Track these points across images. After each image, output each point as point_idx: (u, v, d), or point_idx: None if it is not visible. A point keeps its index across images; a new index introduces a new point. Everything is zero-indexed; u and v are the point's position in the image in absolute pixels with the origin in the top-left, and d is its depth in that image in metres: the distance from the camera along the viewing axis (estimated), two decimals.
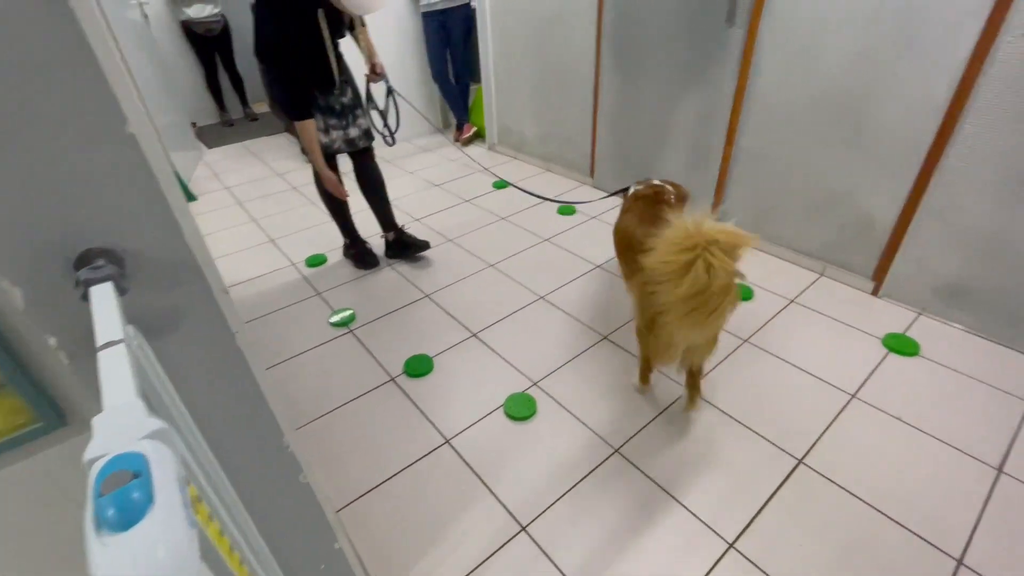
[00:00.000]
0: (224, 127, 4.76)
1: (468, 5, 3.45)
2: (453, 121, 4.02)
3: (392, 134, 2.34)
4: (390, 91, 2.25)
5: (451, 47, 3.60)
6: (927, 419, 1.47)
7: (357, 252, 2.37)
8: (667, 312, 1.19)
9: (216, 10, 4.18)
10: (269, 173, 3.60)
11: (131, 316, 0.50)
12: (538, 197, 2.32)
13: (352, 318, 2.02)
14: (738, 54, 2.04)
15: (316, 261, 2.43)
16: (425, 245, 2.37)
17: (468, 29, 3.50)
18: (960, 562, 1.14)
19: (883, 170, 1.81)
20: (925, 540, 1.18)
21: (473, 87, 3.84)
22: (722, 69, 2.12)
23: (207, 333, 0.60)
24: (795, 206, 2.12)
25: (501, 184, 3.16)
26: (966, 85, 1.54)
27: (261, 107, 5.27)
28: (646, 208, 1.64)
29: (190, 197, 3.22)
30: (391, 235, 2.37)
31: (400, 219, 2.80)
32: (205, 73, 4.56)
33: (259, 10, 1.72)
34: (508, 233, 2.59)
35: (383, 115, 2.30)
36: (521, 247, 2.46)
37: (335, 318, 2.03)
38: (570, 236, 2.54)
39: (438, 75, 3.69)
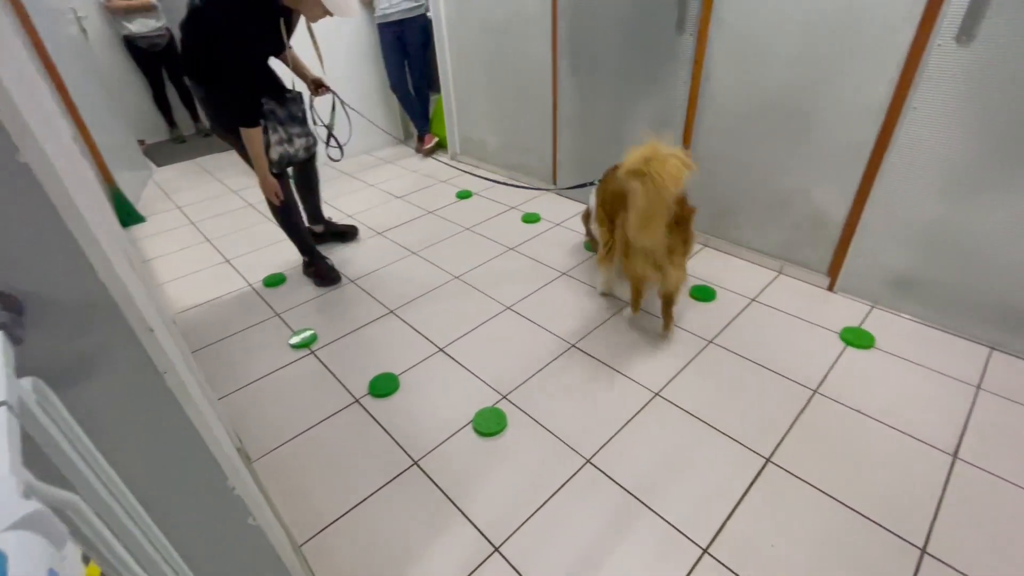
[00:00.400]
0: (175, 144, 4.59)
1: (424, 15, 3.42)
2: (414, 132, 3.97)
3: (341, 147, 2.31)
4: (335, 104, 2.26)
5: (409, 58, 3.56)
6: (885, 410, 1.51)
7: (318, 269, 2.30)
8: (634, 218, 1.49)
9: (160, 24, 4.03)
10: (224, 191, 3.47)
11: (33, 366, 0.45)
12: (500, 183, 2.57)
13: (313, 339, 1.95)
14: (689, 60, 2.08)
15: (274, 281, 2.34)
16: (354, 230, 2.67)
17: (425, 39, 3.47)
18: (924, 551, 1.16)
19: (831, 169, 1.87)
20: (890, 531, 1.21)
21: (433, 97, 3.81)
22: (675, 75, 2.16)
23: (130, 377, 0.55)
24: (751, 206, 2.17)
25: (465, 194, 3.13)
26: (903, 87, 1.61)
27: None
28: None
29: (138, 218, 3.07)
30: (320, 227, 2.53)
31: (362, 232, 2.75)
32: (152, 89, 4.38)
33: (211, 28, 1.68)
34: (473, 244, 2.57)
35: (329, 128, 2.28)
36: (487, 257, 2.43)
37: (295, 339, 1.95)
38: (535, 244, 2.53)
39: (396, 86, 3.64)
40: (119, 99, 4.05)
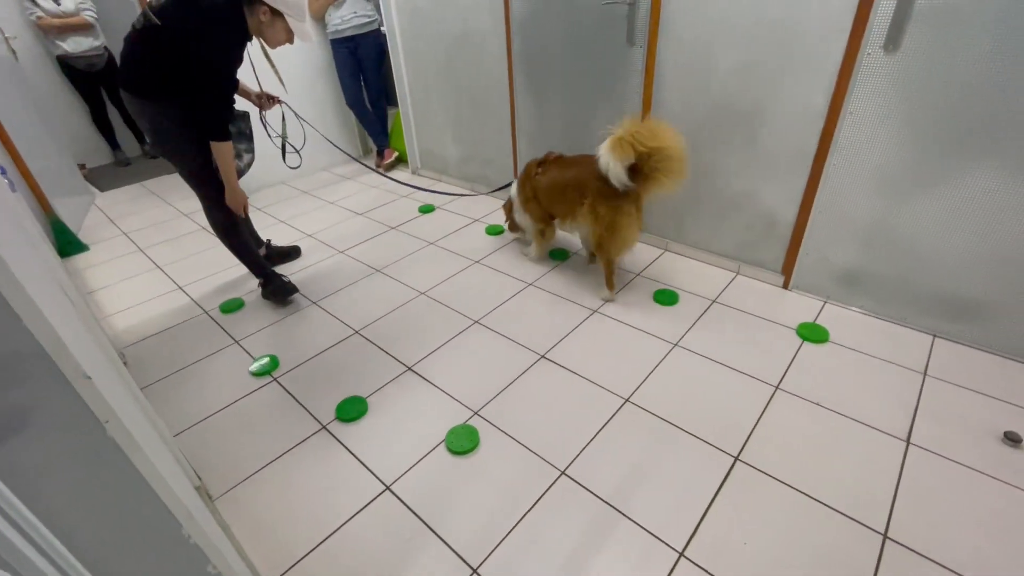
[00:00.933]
0: (119, 167, 4.38)
1: (378, 30, 3.41)
2: (374, 147, 3.93)
3: (298, 151, 2.39)
4: (284, 114, 2.30)
5: (364, 73, 3.53)
6: (842, 401, 1.58)
7: (275, 287, 2.23)
8: (656, 166, 1.76)
9: (98, 43, 3.86)
10: (174, 214, 3.33)
11: None
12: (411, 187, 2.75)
13: (275, 365, 1.89)
14: (641, 71, 2.14)
15: (232, 307, 2.25)
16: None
17: (380, 54, 3.45)
18: (885, 536, 1.21)
19: (779, 172, 1.96)
20: (853, 519, 1.25)
21: (391, 111, 3.78)
22: (628, 85, 2.21)
23: (66, 429, 0.51)
24: (707, 210, 2.24)
25: (428, 208, 3.11)
26: (839, 94, 1.70)
27: None
28: (561, 166, 2.15)
29: (80, 247, 2.91)
30: (261, 251, 2.47)
31: (323, 252, 2.68)
32: (91, 111, 4.18)
33: (199, 39, 1.71)
34: (438, 258, 2.55)
35: (284, 138, 2.31)
36: (452, 271, 2.42)
37: (255, 367, 1.88)
38: (500, 256, 2.53)
39: (353, 102, 3.60)
40: (56, 122, 3.85)
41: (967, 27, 1.43)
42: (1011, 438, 1.40)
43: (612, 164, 1.77)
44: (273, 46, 1.87)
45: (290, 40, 1.86)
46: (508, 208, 2.52)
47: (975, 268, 1.67)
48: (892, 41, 1.55)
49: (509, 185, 2.48)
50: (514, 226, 2.54)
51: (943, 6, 1.45)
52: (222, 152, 1.89)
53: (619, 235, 1.96)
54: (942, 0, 1.44)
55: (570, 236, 2.60)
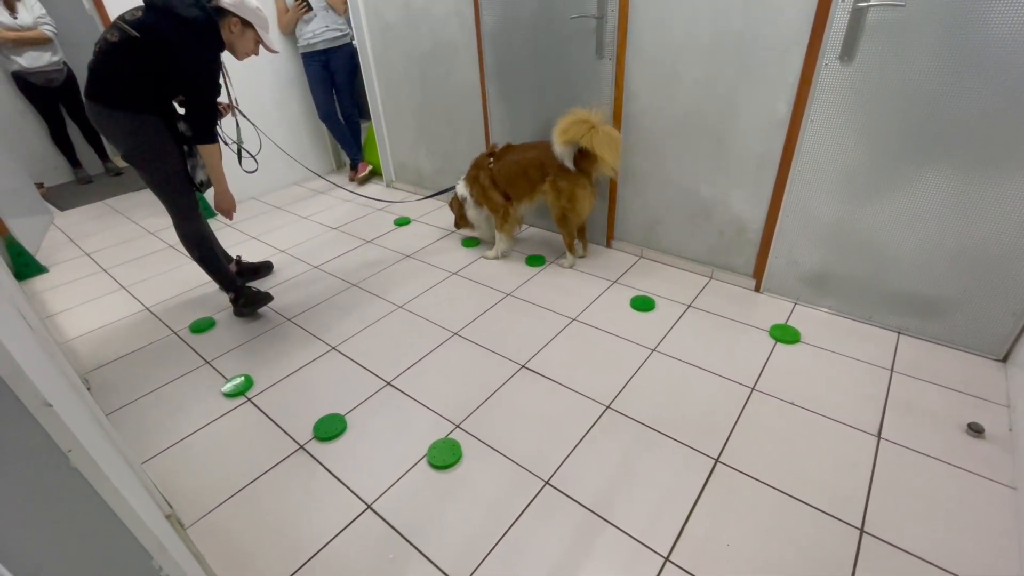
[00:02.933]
0: (80, 185, 4.23)
1: (350, 43, 3.40)
2: (347, 161, 3.90)
3: (253, 156, 2.38)
4: (237, 120, 2.29)
5: (336, 86, 3.51)
6: (815, 400, 1.62)
7: (247, 298, 2.18)
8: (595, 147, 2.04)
9: (56, 58, 3.74)
10: (139, 232, 3.23)
11: None
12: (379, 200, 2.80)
13: (248, 384, 1.84)
14: (611, 83, 2.19)
15: (202, 327, 2.19)
16: (269, 266, 2.61)
17: (352, 67, 3.44)
18: (862, 530, 1.24)
19: (746, 179, 2.02)
20: (830, 515, 1.28)
21: (364, 124, 3.76)
22: (599, 96, 2.26)
23: (26, 460, 0.48)
24: (679, 217, 2.29)
25: (403, 221, 3.09)
26: (800, 103, 1.77)
27: None
28: (517, 151, 2.36)
29: (38, 269, 2.79)
30: (232, 267, 2.42)
31: (297, 267, 2.64)
32: (50, 127, 4.04)
33: (192, 52, 1.77)
34: (415, 271, 2.53)
35: (239, 144, 2.30)
36: (429, 284, 2.40)
37: (228, 387, 1.82)
38: (477, 268, 2.53)
39: (325, 116, 3.57)
40: (11, 140, 3.71)
41: (916, 39, 1.51)
42: (974, 429, 1.46)
43: (559, 148, 2.11)
44: (241, 57, 1.96)
45: (256, 51, 1.97)
46: (457, 206, 2.64)
47: (933, 266, 1.74)
48: (847, 52, 1.62)
49: (449, 190, 2.66)
50: (462, 222, 2.67)
51: (893, 20, 1.53)
52: (211, 154, 1.96)
53: (578, 205, 2.25)
54: (891, 15, 1.52)
55: (550, 241, 2.62)
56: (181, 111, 1.94)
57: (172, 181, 1.97)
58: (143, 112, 1.83)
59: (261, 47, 1.96)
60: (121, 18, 1.76)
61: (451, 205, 2.70)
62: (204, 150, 1.94)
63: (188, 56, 1.77)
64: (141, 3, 1.77)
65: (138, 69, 1.76)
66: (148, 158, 1.91)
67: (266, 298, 2.21)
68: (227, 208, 2.10)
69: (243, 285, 2.23)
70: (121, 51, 1.74)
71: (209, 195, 2.20)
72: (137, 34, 1.72)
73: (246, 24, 1.86)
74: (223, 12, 1.82)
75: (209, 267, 2.17)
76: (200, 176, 2.09)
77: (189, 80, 1.81)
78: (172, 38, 1.73)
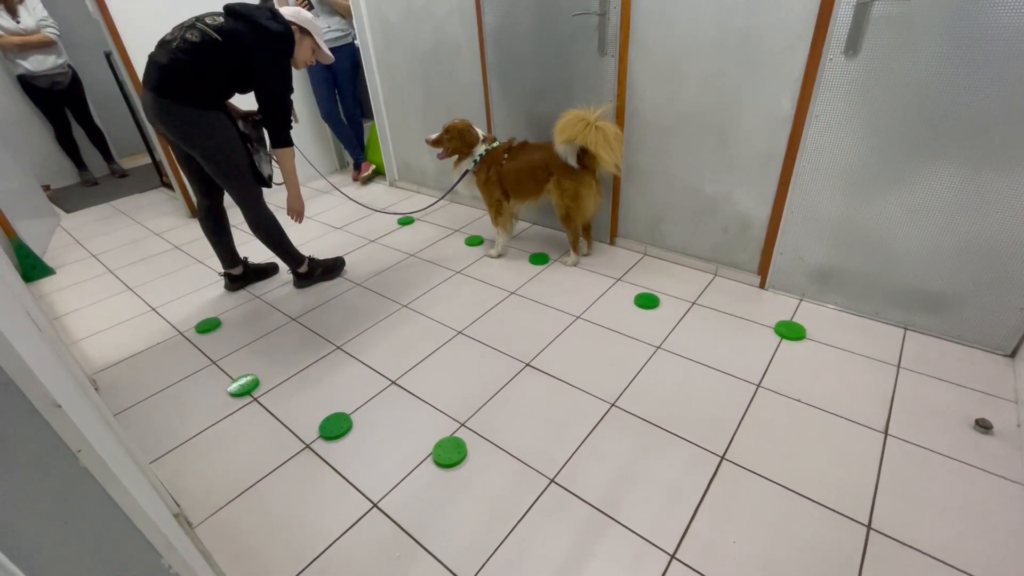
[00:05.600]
0: (86, 187, 4.26)
1: (352, 43, 3.40)
2: (350, 161, 3.90)
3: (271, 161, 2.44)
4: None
5: (339, 86, 3.52)
6: (821, 397, 1.61)
7: (324, 267, 2.44)
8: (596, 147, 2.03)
9: (61, 61, 3.76)
10: (145, 234, 3.25)
11: None
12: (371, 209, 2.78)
13: (255, 384, 1.84)
14: (613, 80, 2.18)
15: (208, 327, 2.20)
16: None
17: (354, 67, 3.44)
18: (869, 527, 1.24)
19: (750, 176, 2.01)
20: (837, 512, 1.28)
21: (367, 124, 3.77)
22: (602, 94, 2.25)
23: (36, 460, 0.49)
24: (683, 214, 2.28)
25: (407, 220, 3.10)
26: (804, 98, 1.76)
27: (131, 161, 4.80)
28: (527, 152, 2.35)
29: (45, 271, 2.81)
30: (238, 269, 2.45)
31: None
32: (55, 130, 4.07)
33: (275, 57, 1.92)
34: (419, 270, 2.53)
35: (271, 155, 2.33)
36: (434, 283, 2.41)
37: (234, 387, 1.83)
38: (481, 266, 2.53)
39: (328, 115, 3.58)
40: (17, 143, 3.73)
41: (921, 33, 1.50)
42: (982, 425, 1.45)
43: (560, 148, 2.12)
44: (300, 66, 2.09)
45: (312, 59, 2.11)
46: (466, 134, 2.38)
47: (939, 261, 1.73)
48: (852, 47, 1.61)
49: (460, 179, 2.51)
50: (456, 152, 2.43)
51: (898, 14, 1.51)
52: (287, 157, 2.08)
53: (583, 204, 2.25)
54: (896, 8, 1.51)
55: (555, 238, 2.61)
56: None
57: (244, 173, 2.08)
58: (212, 108, 1.92)
59: (316, 56, 2.11)
60: (200, 20, 1.86)
61: (458, 133, 2.37)
62: (280, 153, 2.06)
63: (269, 64, 1.89)
64: (221, 8, 1.92)
65: (215, 69, 1.86)
66: (225, 151, 2.00)
67: (341, 263, 2.48)
68: (299, 210, 2.23)
69: (309, 257, 2.43)
70: (201, 51, 1.83)
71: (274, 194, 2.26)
72: (219, 37, 1.83)
73: (304, 32, 2.01)
74: (287, 22, 1.95)
75: (280, 248, 2.31)
76: (268, 170, 2.19)
77: (269, 86, 1.93)
78: (254, 46, 1.85)
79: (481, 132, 2.44)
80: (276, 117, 2.01)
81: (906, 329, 1.87)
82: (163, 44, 1.88)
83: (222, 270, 2.45)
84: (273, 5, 2.02)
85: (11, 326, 0.48)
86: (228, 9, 1.90)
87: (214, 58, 1.84)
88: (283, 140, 2.05)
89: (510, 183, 2.38)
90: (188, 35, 1.83)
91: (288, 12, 1.98)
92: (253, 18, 1.87)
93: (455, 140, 2.40)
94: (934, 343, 1.80)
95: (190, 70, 1.84)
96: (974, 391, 1.59)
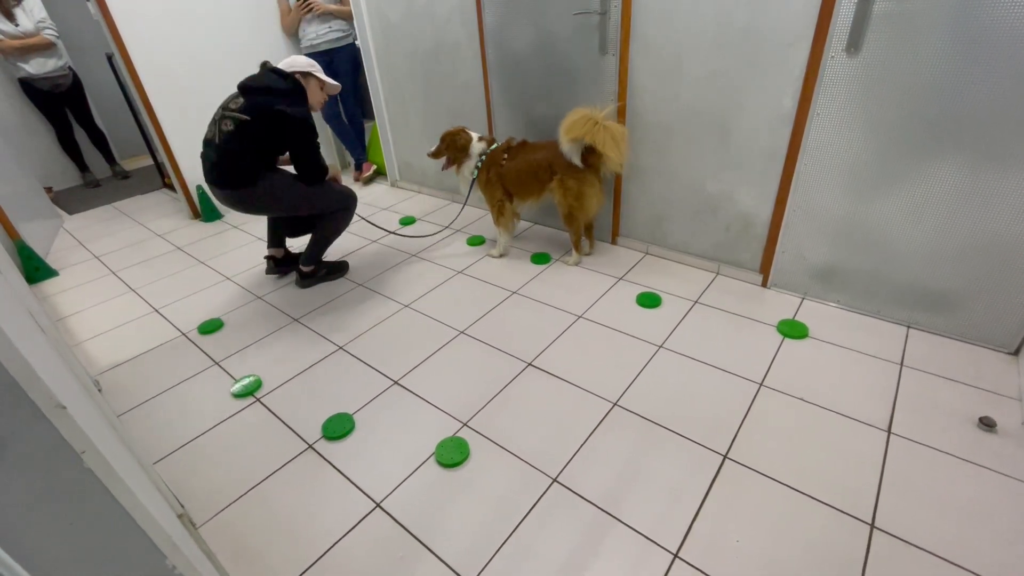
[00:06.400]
0: (88, 189, 4.27)
1: (353, 44, 3.40)
2: (351, 161, 3.91)
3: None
4: None
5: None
6: (824, 395, 1.61)
7: (328, 269, 2.51)
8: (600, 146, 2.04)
9: (62, 63, 3.77)
10: (148, 235, 3.26)
11: None
12: (383, 230, 2.81)
13: (257, 385, 1.85)
14: (614, 79, 2.18)
15: (211, 327, 2.20)
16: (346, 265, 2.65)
17: (355, 67, 3.45)
18: (872, 526, 1.24)
19: (752, 174, 2.00)
20: (841, 511, 1.27)
21: (368, 124, 3.77)
22: (603, 93, 2.25)
23: (40, 461, 0.49)
24: (685, 213, 2.28)
25: (408, 220, 3.10)
26: (806, 96, 1.75)
27: (133, 162, 4.81)
28: (529, 151, 2.34)
29: (48, 272, 2.82)
30: (281, 252, 2.56)
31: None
32: (57, 132, 4.07)
33: (297, 114, 2.04)
34: (420, 270, 2.53)
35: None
36: (435, 283, 2.41)
37: (237, 388, 1.84)
38: (483, 266, 2.53)
39: (329, 116, 3.58)
40: (20, 145, 3.74)
41: (923, 29, 1.50)
42: (986, 423, 1.45)
43: (566, 146, 2.11)
44: (316, 108, 2.20)
45: (324, 96, 2.23)
46: (461, 140, 2.42)
47: (942, 260, 1.73)
48: (854, 44, 1.61)
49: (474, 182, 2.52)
50: (453, 160, 2.48)
51: (900, 11, 1.51)
52: (334, 176, 2.32)
53: (586, 204, 2.25)
54: (899, 5, 1.51)
55: (559, 238, 2.61)
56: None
57: (315, 197, 2.23)
58: (268, 173, 2.11)
59: (326, 91, 2.22)
60: (226, 109, 2.03)
61: (450, 142, 2.43)
62: (313, 190, 2.21)
63: (293, 119, 2.02)
64: (238, 92, 2.05)
65: (256, 143, 2.04)
66: (295, 199, 2.19)
67: (345, 266, 2.56)
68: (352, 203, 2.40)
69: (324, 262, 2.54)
70: (240, 135, 2.01)
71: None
72: (248, 117, 1.99)
73: (306, 75, 2.11)
74: (290, 75, 2.08)
75: (321, 245, 2.39)
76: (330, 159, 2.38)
77: (299, 138, 2.07)
78: (277, 109, 1.99)
79: (477, 134, 2.45)
80: (308, 163, 2.15)
81: (909, 327, 1.87)
82: (207, 143, 2.09)
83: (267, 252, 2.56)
84: (271, 64, 2.10)
85: (15, 328, 0.48)
86: (242, 88, 2.04)
87: (251, 135, 2.02)
88: (318, 179, 2.20)
89: (512, 183, 2.38)
90: (223, 127, 2.02)
91: (285, 64, 2.11)
92: (265, 86, 2.02)
93: (450, 148, 2.45)
94: (937, 341, 1.79)
95: (239, 155, 2.04)
96: (978, 389, 1.59)
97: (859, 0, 1.55)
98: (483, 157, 2.42)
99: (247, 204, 2.17)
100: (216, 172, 2.08)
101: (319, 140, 2.17)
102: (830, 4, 1.60)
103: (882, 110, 1.64)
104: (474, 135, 2.45)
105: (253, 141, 2.03)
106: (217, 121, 2.05)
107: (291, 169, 2.23)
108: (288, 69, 2.09)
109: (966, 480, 1.32)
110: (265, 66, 2.11)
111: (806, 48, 1.70)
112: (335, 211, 2.32)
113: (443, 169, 2.54)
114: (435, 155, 2.50)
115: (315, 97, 2.17)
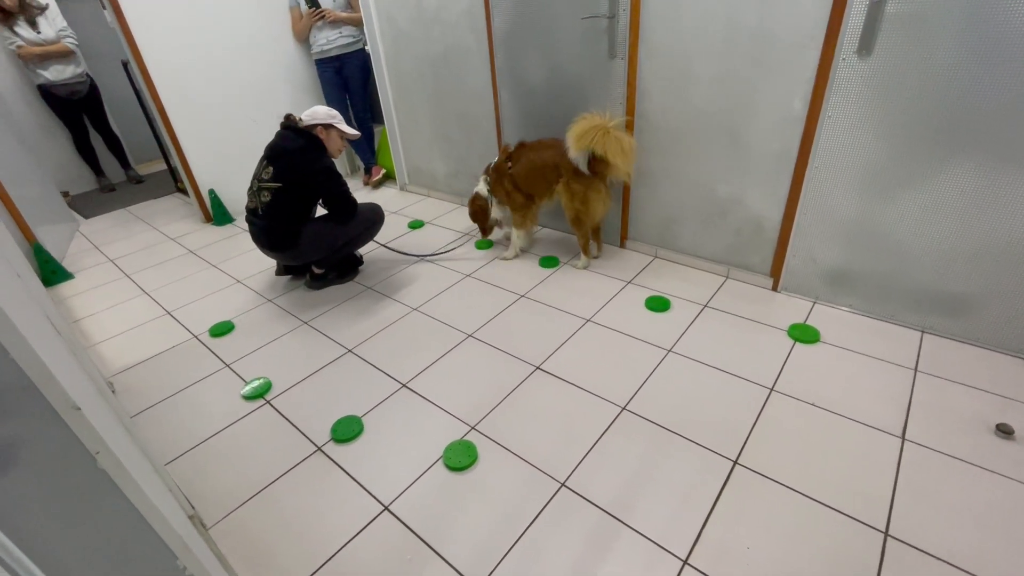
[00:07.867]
0: (103, 193, 4.34)
1: (363, 49, 3.43)
2: (361, 165, 3.94)
3: None
4: None
5: (350, 92, 3.55)
6: (836, 401, 1.59)
7: (337, 272, 2.53)
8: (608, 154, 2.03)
9: (80, 70, 3.84)
10: (161, 239, 3.30)
11: None
12: (412, 256, 2.71)
13: (267, 387, 1.86)
14: (623, 83, 2.18)
15: (222, 330, 2.23)
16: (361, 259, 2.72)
17: (366, 72, 3.48)
18: (886, 533, 1.21)
19: (762, 177, 1.99)
20: (853, 518, 1.25)
21: (377, 129, 3.80)
22: (612, 97, 2.25)
23: (55, 462, 0.50)
24: (694, 216, 2.26)
25: (417, 224, 3.11)
26: (817, 99, 1.74)
27: (147, 167, 4.89)
28: (532, 150, 2.37)
29: (64, 275, 2.87)
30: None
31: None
32: (74, 138, 4.15)
33: (319, 168, 2.17)
34: (429, 273, 2.54)
35: None
36: (444, 286, 2.41)
37: (247, 390, 1.85)
38: (491, 269, 2.53)
39: None
40: (38, 151, 3.82)
41: (935, 31, 1.48)
42: (1003, 430, 1.42)
43: (574, 154, 2.12)
44: (336, 155, 2.28)
45: (343, 145, 2.32)
46: (482, 214, 2.63)
47: (956, 263, 1.70)
48: (865, 46, 1.59)
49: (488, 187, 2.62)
50: (488, 229, 2.71)
51: (912, 12, 1.50)
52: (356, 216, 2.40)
53: (592, 208, 2.25)
54: (910, 7, 1.49)
55: (564, 240, 2.61)
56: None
57: (352, 231, 2.34)
58: (308, 225, 2.24)
59: (344, 139, 2.31)
60: (260, 180, 2.17)
61: (474, 216, 2.66)
62: (346, 226, 2.31)
63: (316, 172, 2.15)
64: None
65: (293, 205, 2.18)
66: (336, 239, 2.30)
67: (354, 270, 2.59)
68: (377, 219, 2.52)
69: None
70: (278, 203, 2.15)
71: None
72: (279, 184, 2.13)
73: (327, 127, 2.21)
74: (308, 130, 2.19)
75: (344, 249, 2.40)
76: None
77: (325, 186, 2.19)
78: (298, 168, 2.13)
79: (479, 179, 2.56)
80: (339, 205, 2.26)
81: (923, 332, 1.84)
82: (252, 212, 2.25)
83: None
84: (288, 120, 2.20)
85: (31, 330, 0.49)
86: (268, 155, 2.19)
87: (287, 199, 2.16)
88: (350, 219, 2.30)
89: (524, 183, 2.39)
90: (263, 198, 2.16)
91: (307, 115, 2.21)
92: (286, 149, 2.16)
93: (480, 217, 2.64)
94: (952, 346, 1.77)
95: (284, 220, 2.19)
96: (995, 395, 1.56)
97: (871, 1, 1.53)
98: (487, 178, 2.50)
99: (296, 258, 2.33)
100: (265, 238, 2.24)
101: (343, 178, 2.28)
102: (841, 5, 1.59)
103: (894, 112, 1.62)
104: (478, 184, 2.56)
105: (290, 204, 2.18)
106: (256, 193, 2.19)
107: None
108: (310, 121, 2.20)
109: (983, 488, 1.30)
110: (284, 123, 2.21)
111: (817, 50, 1.69)
112: (361, 233, 2.41)
113: (501, 228, 2.73)
114: (486, 233, 2.72)
115: (334, 145, 2.26)
